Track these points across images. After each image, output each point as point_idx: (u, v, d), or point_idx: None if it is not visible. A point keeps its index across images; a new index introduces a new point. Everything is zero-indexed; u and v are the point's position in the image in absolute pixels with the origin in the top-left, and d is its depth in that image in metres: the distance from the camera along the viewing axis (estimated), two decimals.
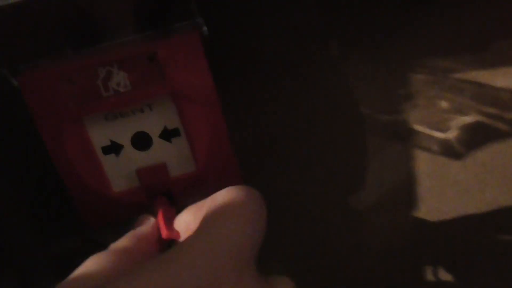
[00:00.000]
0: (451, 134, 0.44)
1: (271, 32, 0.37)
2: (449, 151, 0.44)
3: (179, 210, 0.27)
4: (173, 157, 0.31)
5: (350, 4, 0.36)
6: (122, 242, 0.23)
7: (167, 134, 0.31)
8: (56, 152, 0.30)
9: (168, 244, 0.26)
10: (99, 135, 0.30)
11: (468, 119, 0.43)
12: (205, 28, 0.28)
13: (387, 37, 0.39)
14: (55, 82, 0.28)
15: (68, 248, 0.41)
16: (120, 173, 0.31)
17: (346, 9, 0.37)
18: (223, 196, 0.20)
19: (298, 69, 0.39)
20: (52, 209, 0.38)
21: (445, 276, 0.47)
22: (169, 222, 0.26)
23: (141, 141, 0.31)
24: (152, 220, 0.27)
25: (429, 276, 0.47)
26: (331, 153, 0.43)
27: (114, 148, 0.31)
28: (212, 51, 0.30)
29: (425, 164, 0.44)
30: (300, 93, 0.40)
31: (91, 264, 0.20)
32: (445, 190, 0.46)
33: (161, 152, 0.31)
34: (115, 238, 0.24)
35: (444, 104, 0.43)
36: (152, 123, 0.30)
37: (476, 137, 0.44)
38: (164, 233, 0.25)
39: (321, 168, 0.43)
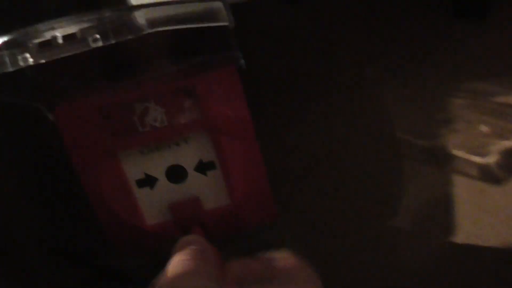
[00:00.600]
0: (491, 159, 0.42)
1: (307, 58, 0.36)
2: (488, 176, 0.43)
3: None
4: (208, 190, 0.31)
5: (388, 28, 0.35)
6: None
7: (202, 167, 0.30)
8: (89, 184, 0.29)
9: None
10: (134, 168, 0.29)
11: (509, 143, 0.41)
12: (242, 61, 0.28)
13: (426, 60, 0.37)
14: (91, 116, 0.27)
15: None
16: (154, 206, 0.31)
17: (384, 33, 0.35)
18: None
19: (334, 94, 0.38)
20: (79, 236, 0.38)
21: None
22: None
23: (176, 174, 0.30)
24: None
25: None
26: (366, 177, 0.41)
27: (148, 182, 0.30)
28: (246, 78, 0.29)
29: (463, 189, 0.43)
30: (336, 118, 0.39)
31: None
32: (484, 217, 0.44)
33: (195, 185, 0.30)
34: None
35: (484, 128, 0.41)
36: (187, 156, 0.30)
37: None
38: None
39: (356, 191, 0.42)
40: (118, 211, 0.30)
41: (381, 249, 0.44)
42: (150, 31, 0.19)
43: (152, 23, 0.18)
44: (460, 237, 0.45)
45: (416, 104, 0.39)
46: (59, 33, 0.19)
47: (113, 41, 0.19)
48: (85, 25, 0.19)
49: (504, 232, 0.44)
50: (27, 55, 0.18)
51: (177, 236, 0.31)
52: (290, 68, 0.36)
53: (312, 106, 0.38)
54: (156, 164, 0.30)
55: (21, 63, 0.18)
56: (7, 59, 0.18)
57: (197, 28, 0.21)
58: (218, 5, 0.19)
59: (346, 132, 0.40)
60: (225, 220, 0.31)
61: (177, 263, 0.21)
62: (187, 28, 0.25)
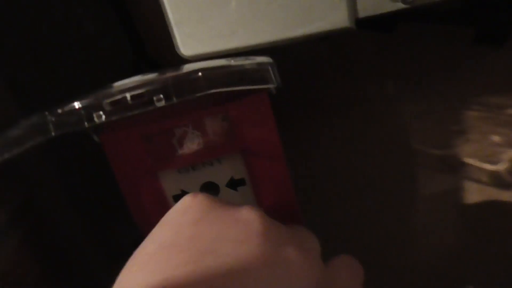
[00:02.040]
0: (501, 166, 0.44)
1: (328, 72, 0.38)
2: (499, 182, 0.45)
3: None
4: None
5: (411, 49, 0.37)
6: None
7: (234, 184, 0.32)
8: (131, 199, 0.32)
9: None
10: (171, 185, 0.32)
11: None
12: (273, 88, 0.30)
13: (442, 75, 0.39)
14: (134, 141, 0.30)
15: None
16: None
17: (407, 53, 0.37)
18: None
19: (355, 107, 0.40)
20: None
21: None
22: None
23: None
24: None
25: None
26: (384, 184, 0.44)
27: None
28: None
29: (475, 194, 0.45)
30: (356, 129, 0.41)
31: None
32: (494, 220, 0.46)
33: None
34: None
35: (496, 138, 0.43)
36: (220, 174, 0.32)
37: None
38: None
39: (374, 198, 0.44)
40: (155, 223, 0.33)
41: (396, 250, 0.47)
42: (208, 92, 0.21)
43: (210, 85, 0.20)
44: (472, 239, 0.47)
45: (433, 117, 0.40)
46: (128, 94, 0.21)
47: (175, 101, 0.21)
48: (151, 86, 0.21)
49: None
50: (101, 113, 0.21)
51: None
52: (312, 84, 0.38)
53: (333, 118, 0.40)
54: (192, 181, 0.32)
55: (96, 120, 0.21)
56: (84, 117, 0.20)
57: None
58: (267, 67, 0.21)
59: (367, 140, 0.42)
60: None
61: None
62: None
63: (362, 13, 0.22)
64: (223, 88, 0.21)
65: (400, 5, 0.22)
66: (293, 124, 0.38)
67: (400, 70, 0.38)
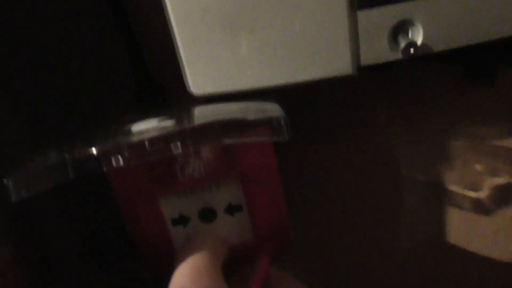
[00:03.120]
0: (483, 194, 0.46)
1: (322, 99, 0.39)
2: (480, 208, 0.47)
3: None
4: (234, 228, 0.34)
5: (399, 78, 0.38)
6: None
7: (231, 209, 0.33)
8: (131, 222, 0.32)
9: None
10: (170, 209, 0.33)
11: (500, 180, 0.46)
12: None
13: (431, 107, 0.41)
14: (137, 169, 0.30)
15: None
16: (185, 240, 0.34)
17: (393, 79, 0.39)
18: None
19: (346, 132, 0.41)
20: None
21: None
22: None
23: (207, 215, 0.33)
24: None
25: None
26: (371, 204, 0.45)
27: (182, 221, 0.33)
28: None
29: (457, 219, 0.47)
30: (347, 154, 0.42)
31: None
32: (474, 242, 0.48)
33: (224, 224, 0.34)
34: None
35: (478, 167, 0.45)
36: (218, 199, 0.33)
37: (506, 197, 0.46)
38: None
39: (361, 218, 0.46)
40: (155, 244, 0.33)
41: (382, 266, 0.49)
42: (223, 142, 0.22)
43: (225, 136, 0.21)
44: (453, 258, 0.49)
45: (421, 145, 0.42)
46: (146, 140, 0.21)
47: (191, 149, 0.22)
48: (169, 134, 0.22)
49: (491, 254, 0.49)
50: (120, 158, 0.21)
51: None
52: (306, 110, 0.40)
53: (325, 143, 0.41)
54: (190, 206, 0.33)
55: (114, 165, 0.21)
56: (103, 162, 0.21)
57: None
58: (280, 123, 0.22)
59: (355, 166, 0.43)
60: (247, 251, 0.35)
61: None
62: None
63: (364, 62, 0.23)
64: (237, 139, 0.22)
65: (399, 56, 0.23)
66: (286, 148, 0.40)
67: (392, 100, 0.40)
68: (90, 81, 0.36)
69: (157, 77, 0.35)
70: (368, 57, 0.23)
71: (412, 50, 0.23)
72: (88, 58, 0.35)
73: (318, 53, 0.23)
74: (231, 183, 0.32)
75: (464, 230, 0.48)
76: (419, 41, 0.24)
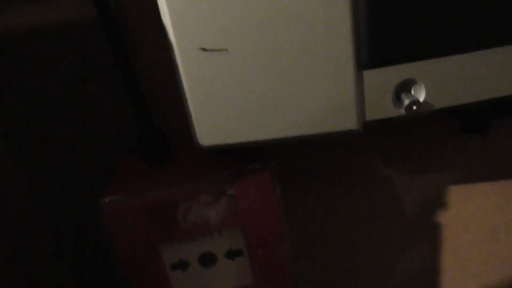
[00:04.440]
0: (476, 235, 0.47)
1: (321, 147, 0.40)
2: (473, 248, 0.48)
3: None
4: (234, 272, 0.34)
5: (399, 131, 0.39)
6: None
7: (231, 254, 0.33)
8: (130, 268, 0.32)
9: None
10: (170, 254, 0.32)
11: (491, 221, 0.46)
12: (275, 168, 0.31)
13: (426, 156, 0.42)
14: (137, 213, 0.30)
15: None
16: (185, 285, 0.34)
17: (391, 130, 0.40)
18: None
19: (344, 178, 0.42)
20: None
21: None
22: None
23: (207, 260, 0.33)
24: None
25: None
26: (367, 248, 0.45)
27: (181, 265, 0.33)
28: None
29: (450, 258, 0.47)
30: (345, 198, 0.43)
31: None
32: (467, 281, 0.49)
33: (224, 269, 0.34)
34: None
35: (470, 207, 0.46)
36: (218, 245, 0.33)
37: (499, 236, 0.47)
38: None
39: (357, 261, 0.46)
40: None
41: None
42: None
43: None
44: None
45: (414, 189, 0.43)
46: None
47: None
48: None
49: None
50: None
51: None
52: (307, 156, 0.40)
53: (324, 188, 0.41)
54: (190, 251, 0.33)
55: None
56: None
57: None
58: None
59: (355, 208, 0.44)
60: None
61: None
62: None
63: (369, 117, 0.24)
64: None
65: (402, 112, 0.24)
66: (289, 195, 0.40)
67: (390, 150, 0.41)
68: (92, 128, 0.36)
69: (160, 126, 0.35)
70: (373, 113, 0.24)
71: (415, 107, 0.24)
72: (91, 106, 0.36)
73: (325, 108, 0.23)
74: (232, 228, 0.32)
75: (458, 269, 0.49)
76: (421, 99, 0.24)
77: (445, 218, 0.45)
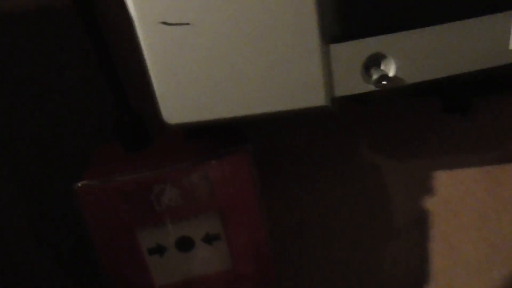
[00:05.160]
0: (464, 218, 0.46)
1: (308, 131, 0.39)
2: (463, 234, 0.47)
3: None
4: (213, 257, 0.33)
5: (379, 111, 0.39)
6: None
7: (209, 238, 0.33)
8: (106, 253, 0.32)
9: None
10: (147, 239, 0.32)
11: (480, 204, 0.46)
12: (252, 151, 0.31)
13: (411, 137, 0.41)
14: (111, 196, 0.30)
15: None
16: (163, 270, 0.33)
17: (374, 114, 0.39)
18: None
19: (331, 163, 0.41)
20: None
21: None
22: None
23: (184, 244, 0.33)
24: None
25: None
26: (354, 236, 0.45)
27: (159, 250, 0.33)
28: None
29: (439, 245, 0.47)
30: (329, 184, 0.42)
31: None
32: (456, 267, 0.48)
33: (201, 253, 0.33)
34: None
35: (458, 192, 0.45)
36: (196, 229, 0.32)
37: (487, 222, 0.46)
38: None
39: (344, 249, 0.45)
40: (130, 276, 0.33)
41: None
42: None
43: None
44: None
45: (402, 175, 0.42)
46: None
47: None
48: None
49: (473, 283, 0.49)
50: None
51: None
52: (296, 141, 0.40)
53: (310, 172, 0.41)
54: (167, 235, 0.32)
55: None
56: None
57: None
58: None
59: (339, 195, 0.43)
60: (228, 284, 0.34)
61: None
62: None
63: (338, 93, 0.23)
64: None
65: (372, 87, 0.24)
66: (273, 176, 0.40)
67: (374, 134, 0.40)
68: (70, 114, 0.36)
69: (139, 111, 0.35)
70: (342, 89, 0.24)
71: (384, 82, 0.23)
72: (70, 91, 0.35)
73: (292, 84, 0.23)
74: (209, 212, 0.32)
75: (448, 257, 0.48)
76: (391, 73, 0.24)
77: (433, 204, 0.45)
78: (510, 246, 0.47)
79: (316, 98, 0.24)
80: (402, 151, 0.41)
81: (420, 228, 0.45)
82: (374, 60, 0.24)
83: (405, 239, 0.45)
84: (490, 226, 0.46)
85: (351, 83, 0.24)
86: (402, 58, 0.24)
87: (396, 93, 0.30)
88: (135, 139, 0.35)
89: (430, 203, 0.44)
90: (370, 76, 0.24)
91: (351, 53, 0.23)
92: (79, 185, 0.30)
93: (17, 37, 0.35)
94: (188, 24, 0.22)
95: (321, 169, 0.41)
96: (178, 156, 0.31)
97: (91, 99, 0.37)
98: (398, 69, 0.24)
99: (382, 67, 0.24)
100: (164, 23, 0.22)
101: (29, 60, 0.35)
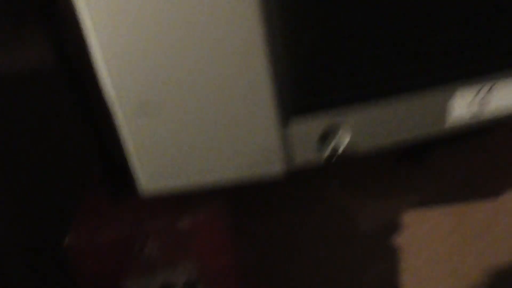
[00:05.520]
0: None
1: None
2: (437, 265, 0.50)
3: None
4: None
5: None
6: None
7: (189, 285, 0.36)
8: None
9: None
10: (130, 286, 0.35)
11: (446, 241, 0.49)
12: (226, 200, 0.33)
13: (374, 181, 0.45)
14: (98, 249, 0.32)
15: None
16: None
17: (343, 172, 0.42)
18: None
19: (303, 203, 0.44)
20: None
21: None
22: None
23: None
24: None
25: None
26: (325, 272, 0.48)
27: None
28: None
29: (410, 276, 0.50)
30: (302, 223, 0.45)
31: None
32: None
33: None
34: None
35: (425, 228, 0.48)
36: (176, 276, 0.35)
37: (454, 254, 0.49)
38: None
39: (315, 285, 0.48)
40: None
41: None
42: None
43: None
44: None
45: (371, 214, 0.45)
46: None
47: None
48: None
49: None
50: None
51: None
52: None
53: (283, 213, 0.44)
54: (149, 284, 0.35)
55: None
56: None
57: None
58: None
59: (315, 231, 0.46)
60: None
61: None
62: None
63: (294, 163, 0.26)
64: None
65: (323, 161, 0.26)
66: (246, 218, 0.42)
67: (344, 177, 0.43)
68: (53, 163, 0.38)
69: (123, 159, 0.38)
70: (297, 159, 0.26)
71: (336, 154, 0.26)
72: (52, 141, 0.38)
73: (250, 154, 0.26)
74: (187, 261, 0.35)
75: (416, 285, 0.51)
76: (346, 142, 0.27)
77: (402, 239, 0.48)
78: (476, 276, 0.50)
79: (272, 167, 0.26)
80: (369, 192, 0.44)
81: (391, 262, 0.48)
82: (330, 131, 0.27)
83: (377, 274, 0.48)
84: (456, 259, 0.49)
85: (306, 154, 0.27)
86: (357, 128, 0.27)
87: None
88: (120, 189, 0.37)
89: (400, 239, 0.47)
90: (327, 145, 0.27)
91: (307, 125, 0.26)
92: (68, 242, 0.32)
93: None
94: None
95: (294, 210, 0.44)
96: (158, 210, 0.34)
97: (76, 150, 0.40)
98: (352, 137, 0.27)
99: (338, 137, 0.27)
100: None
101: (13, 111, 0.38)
